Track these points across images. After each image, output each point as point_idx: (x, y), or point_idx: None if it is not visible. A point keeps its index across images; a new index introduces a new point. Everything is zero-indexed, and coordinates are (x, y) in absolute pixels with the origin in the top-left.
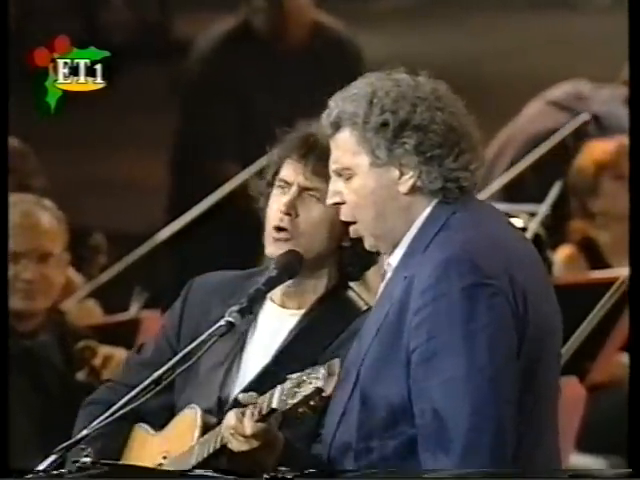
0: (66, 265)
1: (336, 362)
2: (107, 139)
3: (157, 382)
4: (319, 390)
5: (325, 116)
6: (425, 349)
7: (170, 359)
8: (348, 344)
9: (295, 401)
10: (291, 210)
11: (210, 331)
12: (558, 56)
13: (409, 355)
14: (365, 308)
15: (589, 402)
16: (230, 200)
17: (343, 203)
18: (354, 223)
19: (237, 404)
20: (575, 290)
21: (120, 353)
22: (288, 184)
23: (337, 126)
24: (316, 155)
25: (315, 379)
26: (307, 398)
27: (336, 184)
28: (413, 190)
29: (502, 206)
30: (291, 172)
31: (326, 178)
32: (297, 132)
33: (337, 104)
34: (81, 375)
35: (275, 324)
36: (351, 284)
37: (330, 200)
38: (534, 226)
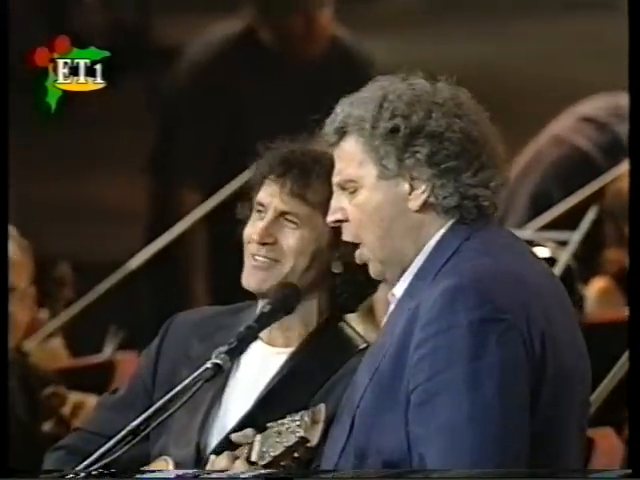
0: (31, 300)
1: (321, 407)
2: (74, 156)
3: (135, 432)
4: (304, 440)
5: (329, 122)
6: (425, 388)
7: (144, 404)
8: (342, 387)
9: (277, 453)
10: (266, 239)
11: (195, 375)
12: (593, 64)
13: (408, 396)
14: (363, 346)
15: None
16: (210, 222)
17: (346, 221)
18: (356, 245)
19: (218, 451)
20: (610, 328)
21: (92, 401)
22: (265, 207)
23: (342, 132)
24: (294, 174)
25: (298, 427)
26: (290, 449)
27: (339, 199)
28: (425, 207)
29: (527, 233)
30: (267, 194)
31: (305, 200)
32: (274, 151)
33: (343, 108)
34: (48, 426)
35: (260, 363)
36: (347, 317)
37: (331, 217)
38: (565, 256)
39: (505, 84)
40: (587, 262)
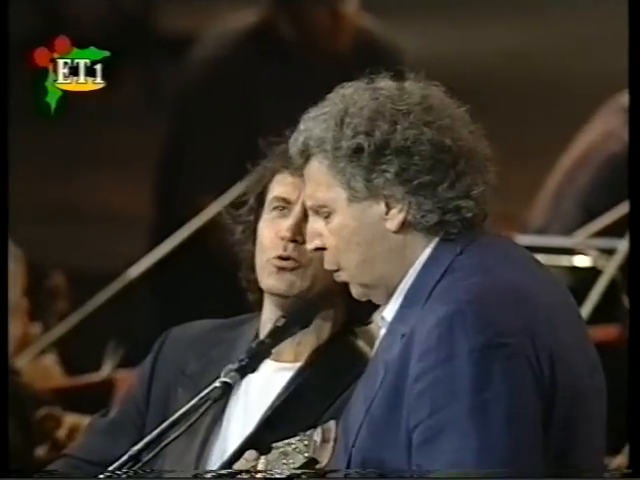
0: (25, 314)
1: (331, 425)
2: (70, 158)
3: (136, 458)
4: (313, 461)
5: (292, 142)
6: (427, 426)
7: (137, 426)
8: None
9: (283, 476)
10: (297, 236)
11: (202, 394)
12: None
13: (410, 434)
14: None
15: None
16: (217, 227)
17: (324, 249)
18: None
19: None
20: None
21: None
22: (288, 203)
23: (306, 155)
24: None
25: (305, 447)
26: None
27: (315, 224)
28: (405, 227)
29: (570, 241)
30: (290, 189)
31: None
32: (287, 144)
33: (306, 126)
34: (41, 450)
35: (264, 380)
36: (359, 330)
37: (310, 244)
38: (610, 268)
39: (540, 76)
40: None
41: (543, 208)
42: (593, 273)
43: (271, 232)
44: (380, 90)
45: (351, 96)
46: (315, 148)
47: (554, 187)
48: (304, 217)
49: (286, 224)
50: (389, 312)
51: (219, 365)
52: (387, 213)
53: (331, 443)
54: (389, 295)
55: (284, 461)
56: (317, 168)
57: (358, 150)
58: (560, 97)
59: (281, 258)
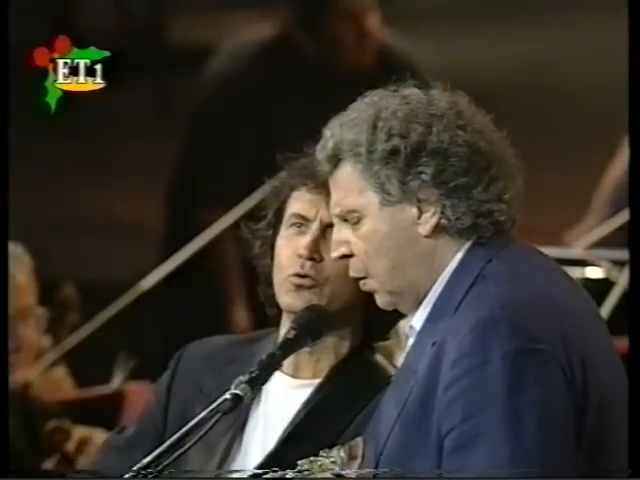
0: (43, 324)
1: (359, 441)
2: (79, 165)
3: (146, 469)
4: (340, 478)
5: (320, 149)
6: (460, 432)
7: (155, 445)
8: None
9: None
10: (315, 254)
11: (212, 407)
12: None
13: (441, 441)
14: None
15: None
16: (231, 238)
17: (351, 255)
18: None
19: None
20: None
21: (99, 436)
22: (306, 221)
23: (336, 160)
24: None
25: (333, 464)
26: None
27: (341, 231)
28: (437, 231)
29: (576, 252)
30: (308, 206)
31: None
32: (307, 157)
33: (333, 132)
34: (50, 463)
35: (283, 398)
36: (378, 346)
37: (335, 252)
38: (623, 280)
39: (556, 88)
40: None
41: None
42: (605, 285)
43: (288, 250)
44: (409, 96)
45: (380, 101)
46: (347, 152)
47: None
48: (322, 235)
49: (304, 242)
50: (417, 321)
51: None
52: (419, 217)
53: (359, 460)
54: (417, 303)
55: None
56: (348, 173)
57: (394, 152)
58: (576, 108)
59: (298, 275)
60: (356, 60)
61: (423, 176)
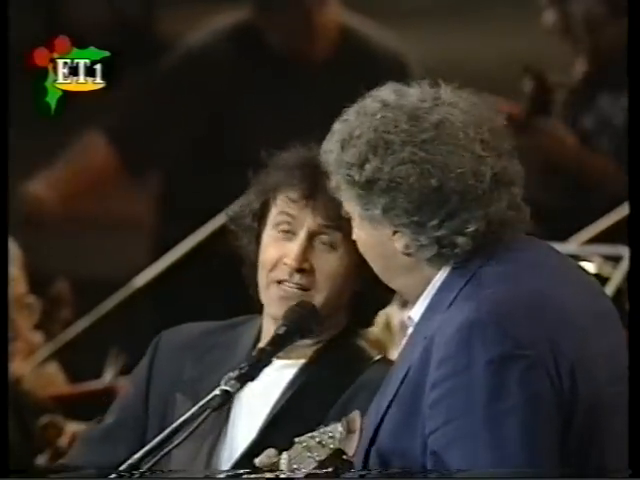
0: (36, 315)
1: (356, 415)
2: (74, 160)
3: (136, 467)
4: (339, 452)
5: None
6: (441, 434)
7: (136, 434)
8: (358, 398)
9: (309, 469)
10: (304, 264)
11: (202, 403)
12: None
13: (425, 439)
14: (378, 357)
15: None
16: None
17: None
18: None
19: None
20: None
21: None
22: (293, 227)
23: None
24: (323, 187)
25: (330, 439)
26: (324, 463)
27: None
28: (410, 251)
29: (571, 247)
30: (295, 212)
31: (339, 218)
32: (294, 157)
33: (324, 143)
34: (42, 459)
35: (268, 378)
36: (363, 331)
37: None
38: (617, 276)
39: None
40: None
41: None
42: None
43: (274, 253)
44: (382, 110)
45: (356, 118)
46: (326, 164)
47: None
48: (310, 243)
49: (292, 253)
50: (416, 313)
51: (216, 369)
52: (393, 234)
53: (357, 433)
54: (418, 295)
55: (309, 454)
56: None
57: (351, 181)
58: None
59: (287, 285)
60: (319, 48)
61: (375, 210)
